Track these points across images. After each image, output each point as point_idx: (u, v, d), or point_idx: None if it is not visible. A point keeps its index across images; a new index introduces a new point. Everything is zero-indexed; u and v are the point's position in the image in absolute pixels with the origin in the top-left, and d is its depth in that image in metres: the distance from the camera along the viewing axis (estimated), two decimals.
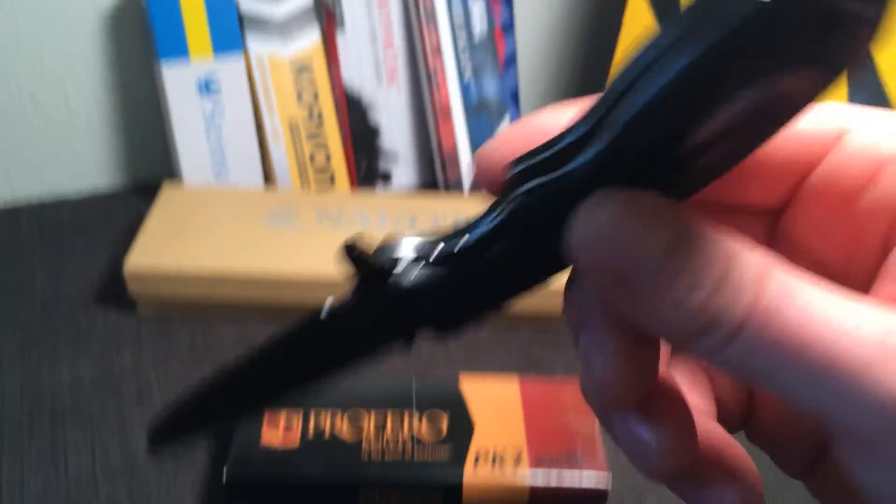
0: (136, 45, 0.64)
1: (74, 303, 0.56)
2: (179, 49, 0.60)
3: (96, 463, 0.45)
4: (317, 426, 0.44)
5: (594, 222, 0.16)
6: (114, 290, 0.56)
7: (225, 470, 0.41)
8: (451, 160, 0.66)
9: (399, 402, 0.45)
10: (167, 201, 0.60)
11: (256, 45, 0.62)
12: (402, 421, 0.45)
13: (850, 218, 0.17)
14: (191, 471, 0.44)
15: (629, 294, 0.16)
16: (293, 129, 0.64)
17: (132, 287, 0.54)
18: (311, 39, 0.64)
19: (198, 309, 0.55)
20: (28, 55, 0.62)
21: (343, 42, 0.65)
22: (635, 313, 0.16)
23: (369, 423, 0.44)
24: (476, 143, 0.66)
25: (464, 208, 0.62)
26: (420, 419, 0.44)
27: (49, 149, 0.66)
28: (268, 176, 0.65)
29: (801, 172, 0.18)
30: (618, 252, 0.15)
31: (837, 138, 0.18)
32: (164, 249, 0.55)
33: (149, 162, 0.69)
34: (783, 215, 0.19)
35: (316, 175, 0.65)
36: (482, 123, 0.67)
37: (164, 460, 0.45)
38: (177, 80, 0.61)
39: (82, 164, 0.68)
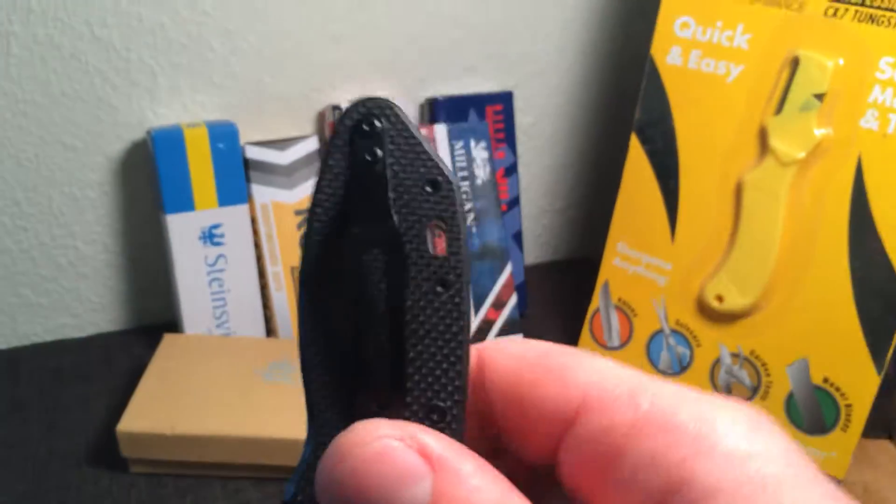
0: (143, 191, 0.65)
1: (68, 461, 0.55)
2: (185, 202, 0.61)
3: None
4: None
5: (337, 471, 0.16)
6: (108, 447, 0.55)
7: None
8: None
9: None
10: (166, 354, 0.59)
11: (261, 192, 0.63)
12: None
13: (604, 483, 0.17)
14: None
15: None
16: (295, 277, 0.64)
17: (124, 448, 0.53)
18: None
19: (191, 466, 0.54)
20: (37, 200, 0.63)
21: None
22: None
23: None
24: (478, 291, 0.66)
25: None
26: None
27: (55, 293, 0.67)
28: (269, 323, 0.65)
29: (556, 432, 0.18)
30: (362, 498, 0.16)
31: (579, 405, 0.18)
32: (158, 410, 0.54)
33: (153, 305, 0.70)
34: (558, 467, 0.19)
35: None
36: (484, 271, 0.67)
37: None
38: (181, 227, 0.62)
39: (87, 308, 0.68)
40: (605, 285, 0.64)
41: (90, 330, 0.69)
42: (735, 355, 0.59)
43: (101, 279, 0.67)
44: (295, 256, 0.64)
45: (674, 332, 0.61)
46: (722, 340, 0.59)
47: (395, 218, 0.18)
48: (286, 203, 0.64)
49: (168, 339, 0.61)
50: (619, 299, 0.64)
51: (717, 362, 0.60)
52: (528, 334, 0.70)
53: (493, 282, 0.67)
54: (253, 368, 0.59)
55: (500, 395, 0.19)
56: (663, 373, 0.62)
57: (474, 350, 0.19)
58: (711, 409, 0.16)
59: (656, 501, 0.15)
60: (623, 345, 0.64)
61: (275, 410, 0.55)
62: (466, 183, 0.66)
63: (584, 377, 0.18)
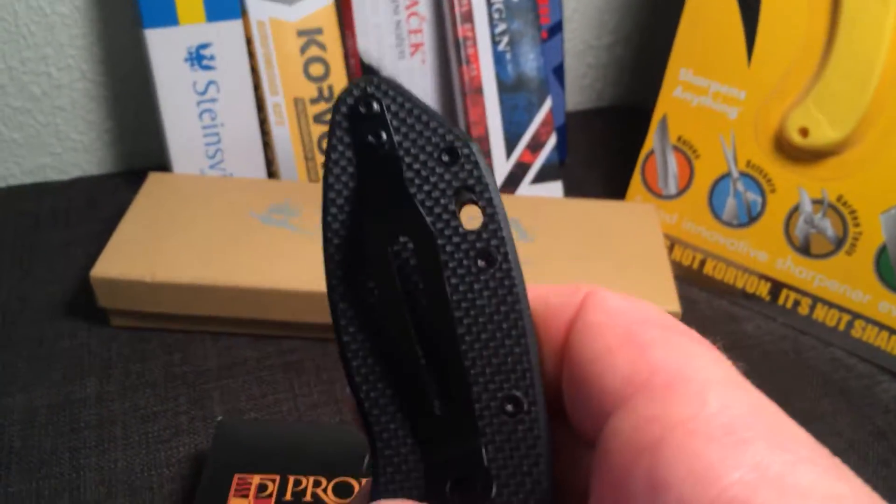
0: (121, 7, 0.56)
1: (41, 312, 0.49)
2: (167, 15, 0.52)
3: None
4: (296, 490, 0.36)
5: None
6: (86, 298, 0.48)
7: None
8: (482, 149, 0.56)
9: None
10: (150, 195, 0.52)
11: (257, 6, 0.53)
12: None
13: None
14: None
15: None
16: (299, 110, 0.55)
17: (101, 297, 0.46)
18: (321, 1, 0.54)
19: (178, 320, 0.47)
20: (4, 24, 0.54)
21: (359, 5, 0.56)
22: None
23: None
24: (512, 129, 0.57)
25: None
26: None
27: (29, 128, 0.59)
28: (271, 165, 0.57)
29: (606, 409, 0.16)
30: None
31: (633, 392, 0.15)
32: (138, 255, 0.47)
33: (141, 146, 0.62)
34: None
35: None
36: (519, 105, 0.57)
37: None
38: (163, 45, 0.52)
39: (67, 147, 0.60)
40: (663, 122, 0.55)
41: (73, 172, 0.61)
42: (818, 202, 0.49)
43: (80, 113, 0.59)
44: (298, 85, 0.55)
45: (743, 175, 0.52)
46: (802, 184, 0.50)
47: (416, 198, 0.16)
48: (287, 21, 0.54)
49: (153, 179, 0.53)
50: (679, 138, 0.54)
51: (794, 210, 0.50)
52: (569, 183, 0.61)
53: (530, 118, 0.57)
54: (249, 211, 0.51)
55: (573, 354, 0.17)
56: (728, 224, 0.53)
57: (582, 290, 0.18)
58: (791, 431, 0.14)
59: None
60: (681, 192, 0.54)
61: (273, 258, 0.47)
62: (501, 0, 0.56)
63: (662, 356, 0.16)
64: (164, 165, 0.57)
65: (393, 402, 0.16)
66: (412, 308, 0.16)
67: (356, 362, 0.17)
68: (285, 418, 0.43)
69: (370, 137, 0.17)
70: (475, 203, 0.17)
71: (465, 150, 0.17)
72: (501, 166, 0.57)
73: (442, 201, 0.17)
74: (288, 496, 0.36)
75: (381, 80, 0.17)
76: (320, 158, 0.56)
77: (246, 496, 0.35)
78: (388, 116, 0.17)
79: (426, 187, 0.17)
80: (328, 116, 0.56)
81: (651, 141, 0.55)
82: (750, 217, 0.52)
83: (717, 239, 0.53)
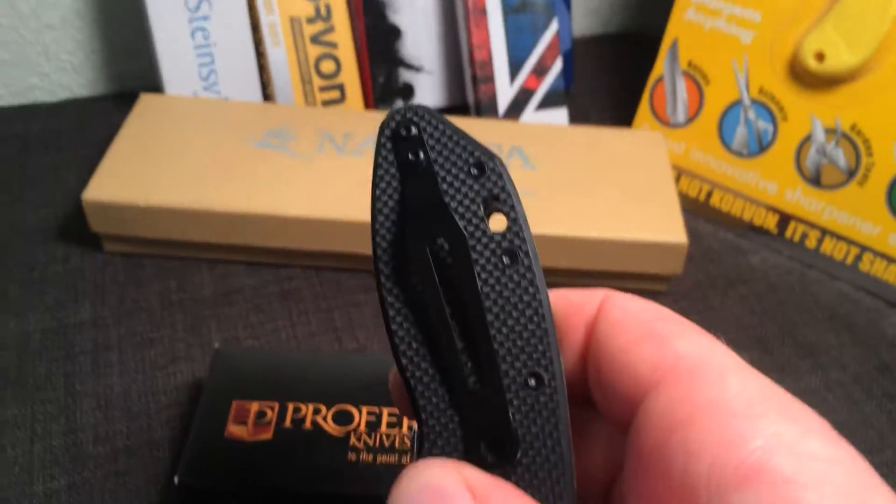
0: None
1: (33, 237, 0.48)
2: None
3: (35, 446, 0.37)
4: (296, 417, 0.35)
5: (395, 501, 0.17)
6: (79, 223, 0.47)
7: (177, 469, 0.33)
8: (485, 74, 0.55)
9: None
10: (142, 117, 0.50)
11: None
12: (399, 417, 0.36)
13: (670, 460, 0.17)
14: (145, 467, 0.37)
15: None
16: (295, 30, 0.53)
17: (93, 221, 0.45)
18: None
19: (173, 246, 0.46)
20: None
21: None
22: None
23: (360, 419, 0.36)
24: (516, 53, 0.55)
25: (495, 135, 0.51)
26: None
27: (16, 46, 0.56)
28: (266, 88, 0.55)
29: (638, 395, 0.19)
30: None
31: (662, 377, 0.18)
32: (131, 178, 0.45)
33: (133, 67, 0.60)
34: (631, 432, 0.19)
35: (322, 87, 0.55)
36: (524, 27, 0.55)
37: (114, 453, 0.37)
38: None
39: (56, 67, 0.58)
40: (674, 46, 0.53)
41: (62, 94, 0.59)
42: (831, 131, 0.48)
43: (69, 31, 0.57)
44: (294, 3, 0.53)
45: (755, 102, 0.50)
46: (816, 112, 0.48)
47: (450, 206, 0.19)
48: None
49: (145, 100, 0.51)
50: (690, 63, 0.52)
51: (806, 140, 0.49)
52: (575, 110, 0.59)
53: (535, 41, 0.55)
54: (245, 136, 0.49)
55: (601, 348, 0.20)
56: (737, 153, 0.51)
57: (600, 293, 0.21)
58: (798, 408, 0.17)
59: (723, 484, 0.16)
60: (690, 120, 0.53)
61: (269, 184, 0.46)
62: None
63: (685, 348, 0.18)
64: (156, 87, 0.55)
65: (434, 379, 0.19)
66: (449, 300, 0.19)
67: (403, 346, 0.20)
68: (283, 346, 0.43)
69: (410, 156, 0.20)
70: (500, 210, 0.20)
71: (491, 165, 0.20)
72: (505, 91, 0.55)
73: (472, 208, 0.20)
74: (287, 423, 0.35)
75: (419, 107, 0.20)
76: (318, 81, 0.54)
77: (245, 423, 0.35)
78: (425, 137, 0.20)
79: (458, 196, 0.20)
80: (325, 37, 0.54)
81: (660, 66, 0.54)
82: (760, 146, 0.50)
83: (726, 169, 0.52)
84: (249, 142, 0.49)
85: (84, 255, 0.47)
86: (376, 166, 0.20)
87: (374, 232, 0.20)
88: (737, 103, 0.51)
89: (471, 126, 0.52)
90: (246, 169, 0.47)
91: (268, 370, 0.37)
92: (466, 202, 0.20)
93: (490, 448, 0.19)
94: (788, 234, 0.50)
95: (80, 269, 0.46)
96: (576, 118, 0.58)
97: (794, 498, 0.15)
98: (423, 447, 0.19)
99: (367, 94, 0.56)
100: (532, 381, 0.19)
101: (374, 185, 0.20)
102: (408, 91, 0.57)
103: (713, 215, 0.53)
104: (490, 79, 0.54)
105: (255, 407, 0.36)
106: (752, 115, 0.50)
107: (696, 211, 0.53)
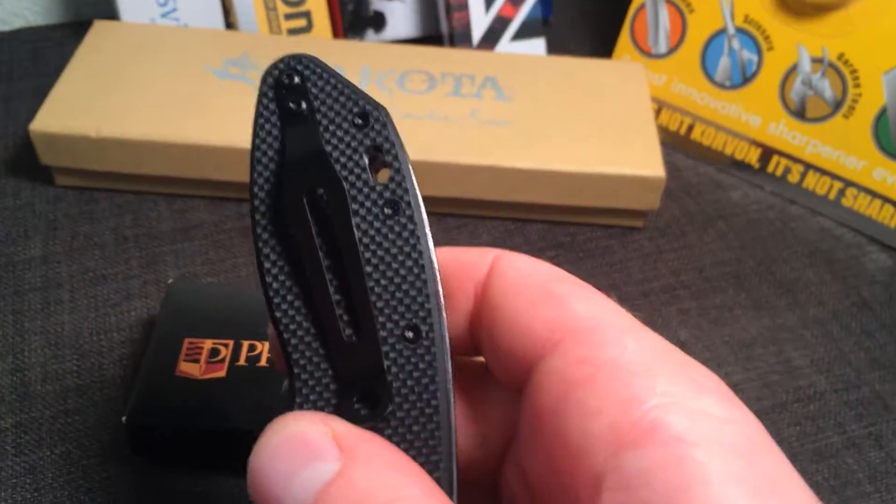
0: None
1: None
2: None
3: None
4: (251, 355, 0.34)
5: (254, 458, 0.17)
6: (29, 154, 0.45)
7: (126, 409, 0.32)
8: (458, 1, 0.52)
9: None
10: (95, 45, 0.47)
11: None
12: None
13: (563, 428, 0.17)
14: (96, 406, 0.35)
15: None
16: None
17: (42, 154, 0.43)
18: None
19: (128, 180, 0.44)
20: None
21: None
22: None
23: None
24: None
25: (468, 65, 0.49)
26: None
27: None
28: (228, 16, 0.52)
29: (535, 356, 0.18)
30: (266, 482, 0.17)
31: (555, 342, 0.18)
32: (81, 108, 0.43)
33: None
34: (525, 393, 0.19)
35: (288, 15, 0.52)
36: None
37: (63, 392, 0.36)
38: None
39: None
40: None
41: (15, 23, 0.56)
42: (818, 60, 0.46)
43: None
44: None
45: (740, 31, 0.48)
46: (802, 41, 0.46)
47: (332, 156, 0.19)
48: None
49: (98, 27, 0.49)
50: None
51: (791, 71, 0.47)
52: (553, 41, 0.57)
53: None
54: (202, 65, 0.47)
55: (495, 308, 0.19)
56: (720, 85, 0.49)
57: (490, 253, 0.20)
58: (695, 369, 0.17)
59: (619, 442, 0.16)
60: (672, 50, 0.51)
61: (230, 114, 0.44)
62: None
63: (583, 309, 0.18)
64: (113, 15, 0.52)
65: (308, 333, 0.19)
66: (329, 252, 0.19)
67: (277, 299, 0.19)
68: (245, 284, 0.41)
69: (292, 105, 0.19)
70: (384, 160, 0.19)
71: (377, 114, 0.19)
72: (480, 20, 0.52)
73: (354, 157, 0.19)
74: (241, 361, 0.34)
75: (304, 56, 0.19)
76: (283, 8, 0.52)
77: (197, 361, 0.33)
78: (308, 86, 0.19)
79: (341, 146, 0.19)
80: None
81: None
82: (744, 77, 0.48)
83: (708, 102, 0.50)
84: (209, 71, 0.46)
85: (35, 189, 0.45)
86: (257, 115, 0.20)
87: (252, 182, 0.19)
88: (721, 32, 0.48)
89: (444, 56, 0.49)
90: (205, 99, 0.44)
91: (223, 307, 0.36)
92: (349, 152, 0.19)
93: (362, 401, 0.18)
94: (771, 168, 0.49)
95: (30, 203, 0.44)
96: (554, 49, 0.56)
97: (683, 455, 0.15)
98: (295, 401, 0.19)
99: (336, 23, 0.53)
100: (409, 334, 0.19)
101: (254, 135, 0.19)
102: (379, 20, 0.55)
103: (693, 149, 0.51)
104: (464, 6, 0.52)
105: (208, 344, 0.34)
106: (736, 44, 0.48)
107: (676, 145, 0.51)
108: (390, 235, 0.19)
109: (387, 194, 0.19)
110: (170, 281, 0.37)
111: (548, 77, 0.49)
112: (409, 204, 0.19)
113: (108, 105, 0.43)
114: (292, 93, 0.19)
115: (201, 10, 0.51)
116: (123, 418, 0.32)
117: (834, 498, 0.35)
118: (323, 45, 0.50)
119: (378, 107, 0.19)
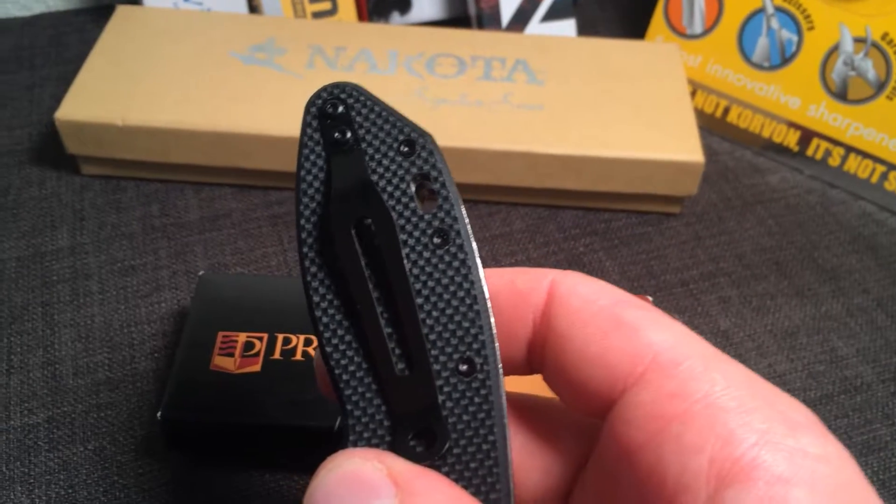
0: None
1: (7, 159, 0.45)
2: None
3: (12, 378, 0.35)
4: (286, 348, 0.33)
5: (309, 498, 0.17)
6: (55, 144, 0.44)
7: (161, 404, 0.31)
8: None
9: None
10: (118, 31, 0.46)
11: None
12: None
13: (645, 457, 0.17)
14: (128, 400, 0.35)
15: None
16: None
17: (68, 143, 0.42)
18: None
19: (155, 169, 0.44)
20: None
21: None
22: None
23: None
24: None
25: (497, 48, 0.47)
26: None
27: None
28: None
29: (616, 388, 0.18)
30: None
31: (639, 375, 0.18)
32: (107, 96, 0.42)
33: None
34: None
35: None
36: None
37: (95, 386, 0.35)
38: None
39: None
40: None
41: (35, 8, 0.55)
42: (860, 40, 0.44)
43: None
44: None
45: (779, 10, 0.46)
46: (844, 20, 0.45)
47: (378, 185, 0.19)
48: None
49: (122, 12, 0.48)
50: None
51: (833, 51, 0.45)
52: (583, 21, 0.56)
53: None
54: (228, 50, 0.46)
55: (562, 338, 0.19)
56: (758, 66, 0.48)
57: (547, 277, 0.20)
58: (785, 402, 0.17)
59: (721, 479, 0.16)
60: (708, 31, 0.49)
61: (257, 101, 0.43)
62: None
63: (660, 339, 0.18)
64: (134, 0, 0.51)
65: (360, 367, 0.18)
66: (378, 283, 0.18)
67: (327, 334, 0.18)
68: (274, 273, 0.40)
69: (337, 134, 0.19)
70: (432, 189, 0.19)
71: (423, 142, 0.19)
72: (509, 2, 0.51)
73: (401, 187, 0.19)
74: (276, 355, 0.33)
75: (347, 85, 0.19)
76: None
77: (231, 355, 0.33)
78: (353, 115, 0.19)
79: (388, 175, 0.19)
80: None
81: None
82: (783, 58, 0.47)
83: (745, 83, 0.48)
84: (234, 56, 0.45)
85: (61, 179, 0.44)
86: (301, 146, 0.19)
87: (299, 214, 0.19)
88: (759, 12, 0.47)
89: (473, 39, 0.48)
90: (231, 85, 0.44)
91: (256, 299, 0.35)
92: (395, 181, 0.19)
93: (418, 438, 0.18)
94: (810, 151, 0.47)
95: (56, 193, 0.43)
96: (584, 30, 0.55)
97: (783, 495, 0.15)
98: (349, 439, 0.18)
99: (361, 6, 0.52)
100: (464, 367, 0.18)
101: (299, 167, 0.19)
102: (404, 2, 0.54)
103: (730, 132, 0.49)
104: None
105: (242, 338, 0.33)
106: (775, 24, 0.47)
107: (712, 128, 0.50)
108: (440, 265, 0.18)
109: (435, 223, 0.19)
110: (201, 273, 0.36)
111: (580, 59, 0.47)
112: (458, 233, 0.19)
113: (133, 92, 0.42)
114: (337, 122, 0.19)
115: None
116: (159, 414, 0.31)
117: (884, 492, 0.34)
118: (349, 28, 0.49)
119: (424, 134, 0.19)
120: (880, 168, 0.45)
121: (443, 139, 0.41)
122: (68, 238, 0.41)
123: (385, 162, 0.19)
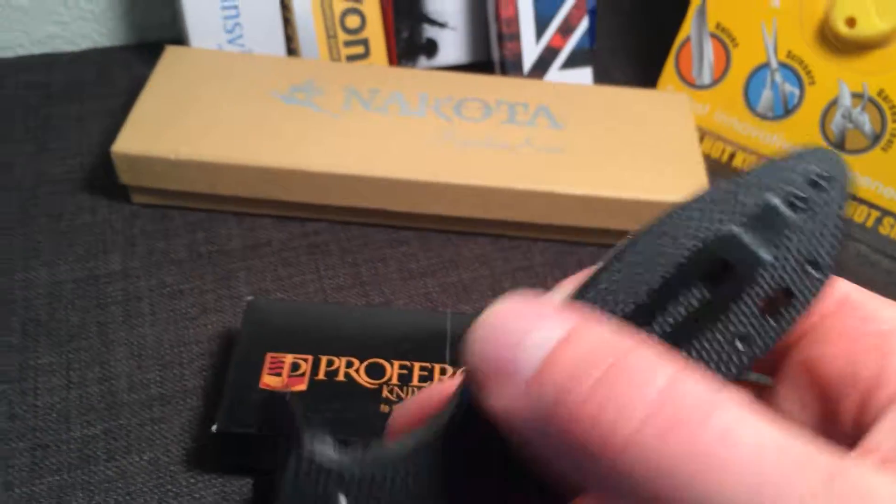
0: None
1: (60, 187, 0.48)
2: None
3: (71, 392, 0.38)
4: (329, 370, 0.36)
5: (479, 325, 0.16)
6: (106, 173, 0.47)
7: (216, 418, 0.34)
8: (511, 31, 0.54)
9: (430, 353, 0.37)
10: (168, 70, 0.50)
11: None
12: (431, 371, 0.37)
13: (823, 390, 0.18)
14: (180, 415, 0.37)
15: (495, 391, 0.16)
16: None
17: (122, 174, 0.45)
18: None
19: (201, 199, 0.47)
20: None
21: None
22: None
23: (392, 372, 0.36)
24: (543, 10, 0.54)
25: (521, 94, 0.51)
26: (455, 371, 0.36)
27: None
28: (290, 42, 0.54)
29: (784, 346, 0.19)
30: (495, 344, 0.16)
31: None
32: (160, 131, 0.45)
33: (155, 17, 0.59)
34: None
35: (347, 42, 0.54)
36: None
37: (149, 401, 0.38)
38: None
39: (75, 15, 0.57)
40: (702, 7, 0.52)
41: (83, 44, 0.59)
42: (858, 95, 0.48)
43: None
44: None
45: (783, 65, 0.50)
46: (843, 77, 0.48)
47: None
48: None
49: (171, 53, 0.51)
50: (718, 25, 0.52)
51: (832, 104, 0.49)
52: (598, 69, 0.59)
53: (562, 0, 0.55)
54: (270, 90, 0.49)
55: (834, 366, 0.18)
56: (762, 116, 0.51)
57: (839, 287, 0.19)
58: None
59: None
60: (716, 82, 0.53)
61: (296, 138, 0.46)
62: None
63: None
64: (178, 38, 0.54)
65: None
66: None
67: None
68: (312, 300, 0.43)
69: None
70: (789, 306, 0.17)
71: (827, 272, 0.17)
72: (531, 49, 0.55)
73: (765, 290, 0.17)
74: (321, 376, 0.36)
75: (837, 163, 0.17)
76: (343, 36, 0.54)
77: (279, 374, 0.36)
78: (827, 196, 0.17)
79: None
80: None
81: (688, 27, 0.53)
82: (786, 109, 0.50)
83: (750, 131, 0.52)
84: (276, 96, 0.49)
85: (112, 206, 0.47)
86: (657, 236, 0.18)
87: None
88: (764, 66, 0.51)
89: (498, 85, 0.52)
90: (273, 123, 0.47)
91: (300, 323, 0.38)
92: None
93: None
94: None
95: (108, 220, 0.46)
96: (599, 77, 0.58)
97: None
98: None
99: (391, 50, 0.56)
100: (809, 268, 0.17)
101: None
102: (431, 47, 0.57)
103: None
104: (516, 36, 0.54)
105: (289, 359, 0.36)
106: (778, 78, 0.50)
107: (718, 172, 0.53)
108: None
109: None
110: (249, 298, 0.39)
111: (598, 107, 0.51)
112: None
113: (184, 128, 0.46)
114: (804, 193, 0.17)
115: (265, 36, 0.54)
116: (214, 427, 0.34)
117: None
118: (382, 72, 0.52)
119: (832, 263, 0.17)
120: (875, 213, 0.49)
121: (469, 178, 0.44)
122: (120, 262, 0.44)
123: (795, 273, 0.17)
